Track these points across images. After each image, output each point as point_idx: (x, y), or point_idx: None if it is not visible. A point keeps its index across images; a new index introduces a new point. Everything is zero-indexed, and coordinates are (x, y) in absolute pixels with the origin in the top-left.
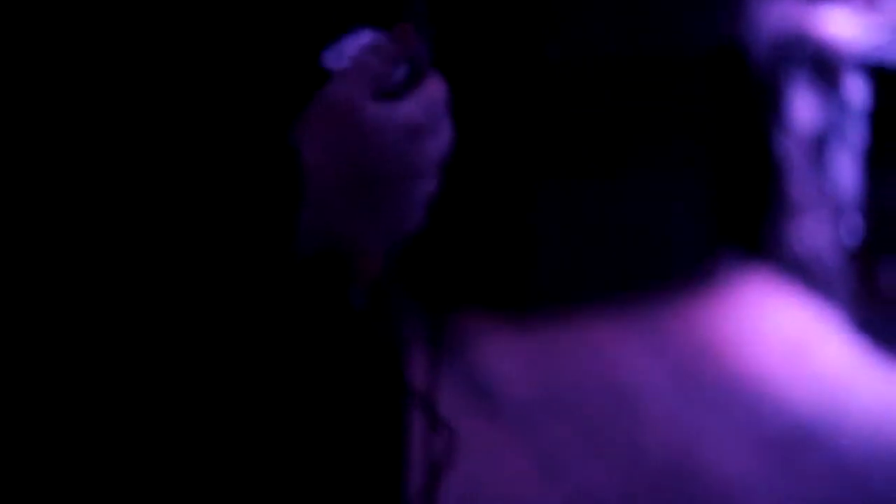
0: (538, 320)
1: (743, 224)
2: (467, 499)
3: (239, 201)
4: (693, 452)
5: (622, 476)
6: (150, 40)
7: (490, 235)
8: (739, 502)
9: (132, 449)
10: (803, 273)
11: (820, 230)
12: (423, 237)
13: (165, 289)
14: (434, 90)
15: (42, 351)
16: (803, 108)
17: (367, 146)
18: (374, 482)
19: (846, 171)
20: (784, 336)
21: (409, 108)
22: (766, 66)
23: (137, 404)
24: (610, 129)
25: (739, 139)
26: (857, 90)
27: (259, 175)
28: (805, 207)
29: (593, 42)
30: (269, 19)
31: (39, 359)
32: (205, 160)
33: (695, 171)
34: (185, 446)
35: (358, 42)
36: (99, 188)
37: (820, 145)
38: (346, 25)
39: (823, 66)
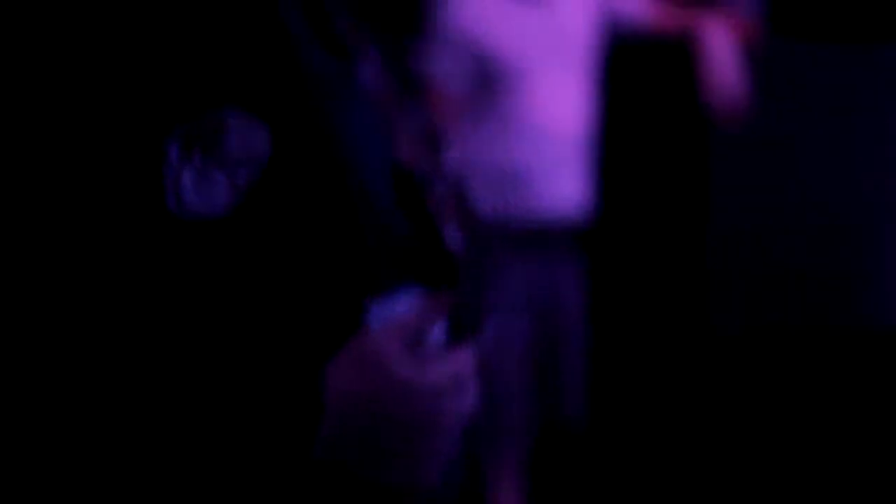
0: None
1: None
2: None
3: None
4: None
5: None
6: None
7: None
8: None
9: (130, 447)
10: None
11: None
12: None
13: None
14: (464, 357)
15: (42, 351)
16: None
17: (390, 399)
18: None
19: None
20: None
21: (439, 370)
22: None
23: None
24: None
25: None
26: None
27: (280, 399)
28: None
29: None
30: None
31: (39, 358)
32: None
33: None
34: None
35: (401, 303)
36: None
37: None
38: (394, 278)
39: None
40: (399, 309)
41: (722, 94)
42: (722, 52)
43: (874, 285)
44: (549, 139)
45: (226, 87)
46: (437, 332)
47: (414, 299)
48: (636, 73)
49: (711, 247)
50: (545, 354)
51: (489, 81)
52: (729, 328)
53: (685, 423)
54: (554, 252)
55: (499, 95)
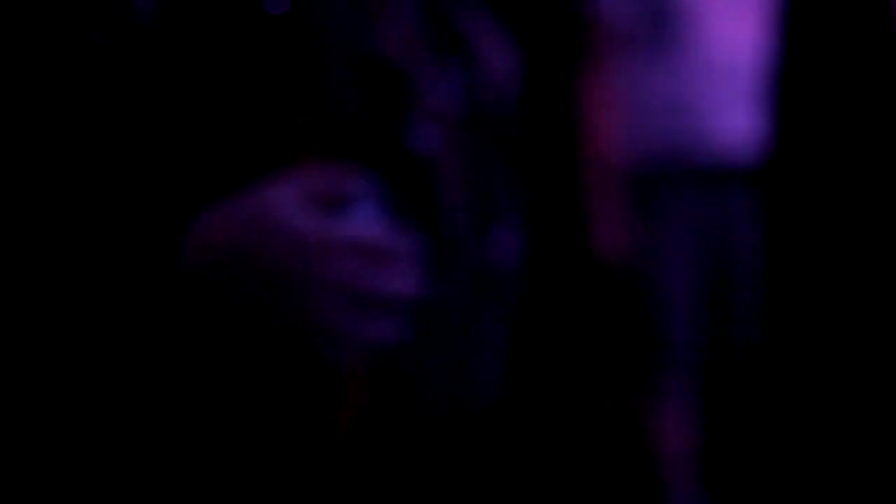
0: None
1: None
2: None
3: None
4: None
5: None
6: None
7: None
8: None
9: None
10: None
11: None
12: None
13: None
14: (398, 238)
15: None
16: None
17: (272, 243)
18: None
19: None
20: None
21: (343, 232)
22: None
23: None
24: None
25: None
26: None
27: None
28: None
29: None
30: None
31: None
32: None
33: None
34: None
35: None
36: None
37: None
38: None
39: None
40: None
41: None
42: None
43: None
44: (723, 74)
45: None
46: (369, 210)
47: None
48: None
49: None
50: (717, 287)
51: (661, 17)
52: None
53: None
54: (726, 187)
55: (671, 31)
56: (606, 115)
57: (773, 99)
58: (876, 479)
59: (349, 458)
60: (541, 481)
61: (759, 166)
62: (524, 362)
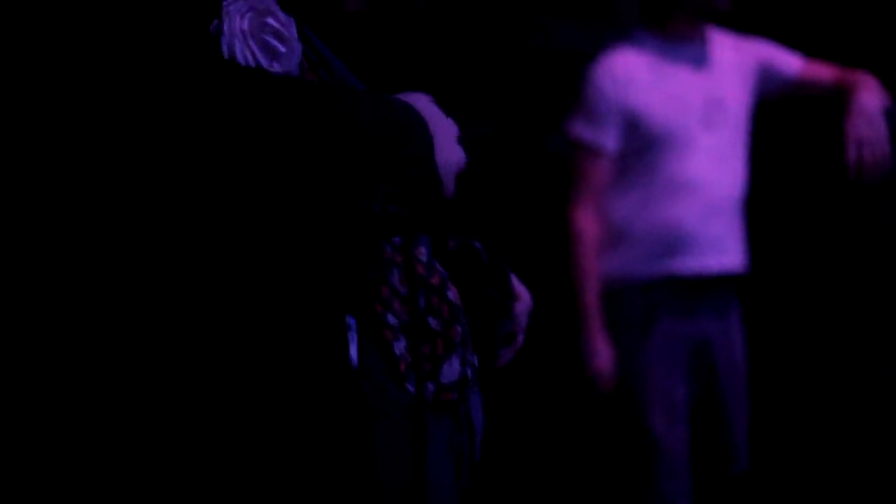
0: None
1: None
2: None
3: None
4: None
5: None
6: None
7: None
8: None
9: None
10: None
11: None
12: None
13: None
14: None
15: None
16: None
17: None
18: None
19: None
20: None
21: None
22: None
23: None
24: None
25: None
26: None
27: None
28: None
29: None
30: None
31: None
32: None
33: None
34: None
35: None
36: None
37: None
38: None
39: None
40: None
41: (866, 150)
42: (871, 109)
43: None
44: (704, 198)
45: None
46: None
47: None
48: (780, 128)
49: (861, 292)
50: (707, 402)
51: (644, 145)
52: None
53: (848, 466)
54: (711, 305)
55: (653, 158)
56: (594, 238)
57: (747, 218)
58: None
59: None
60: None
61: (741, 278)
62: (518, 473)
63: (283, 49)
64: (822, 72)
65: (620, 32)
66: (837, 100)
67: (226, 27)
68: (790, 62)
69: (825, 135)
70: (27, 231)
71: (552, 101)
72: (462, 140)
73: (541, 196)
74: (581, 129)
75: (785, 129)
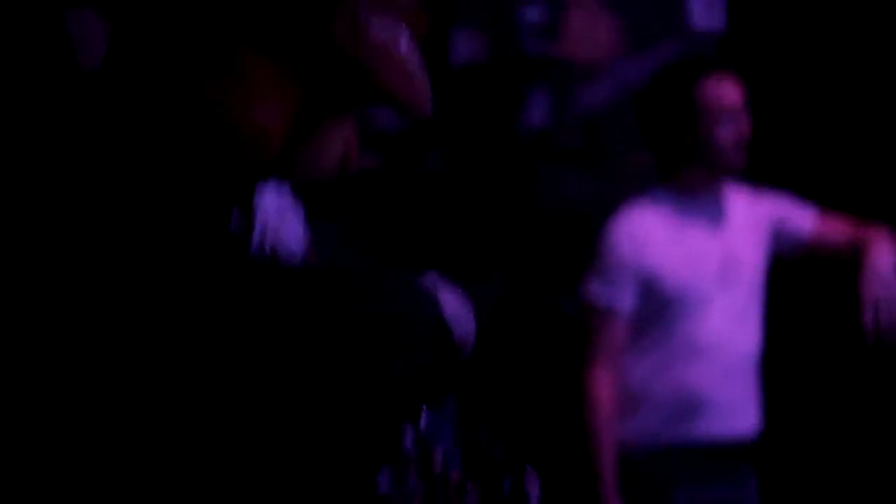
0: None
1: None
2: None
3: None
4: None
5: None
6: None
7: None
8: None
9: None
10: None
11: None
12: None
13: None
14: None
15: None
16: None
17: None
18: None
19: None
20: None
21: None
22: None
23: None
24: None
25: None
26: None
27: None
28: None
29: None
30: None
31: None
32: None
33: None
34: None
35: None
36: None
37: None
38: None
39: None
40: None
41: (883, 312)
42: (886, 269)
43: None
44: (721, 360)
45: None
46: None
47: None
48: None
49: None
50: None
51: (660, 306)
52: None
53: None
54: (728, 473)
55: (669, 319)
56: (610, 403)
57: (764, 381)
58: None
59: None
60: None
61: (757, 445)
62: None
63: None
64: (836, 228)
65: (633, 183)
66: (853, 260)
67: (258, 221)
68: (804, 221)
69: (841, 294)
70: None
71: (565, 259)
72: (474, 303)
73: (555, 358)
74: (597, 291)
75: (800, 287)
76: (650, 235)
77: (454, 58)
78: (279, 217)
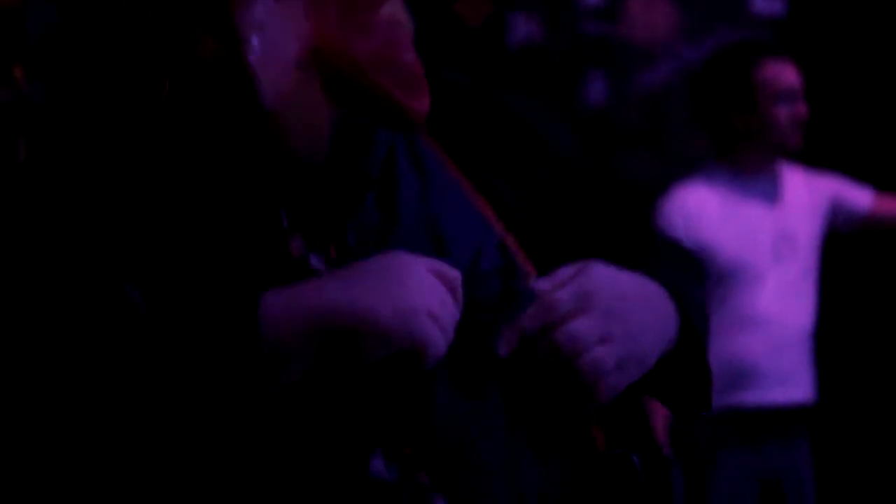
0: None
1: None
2: None
3: None
4: None
5: None
6: None
7: None
8: None
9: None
10: None
11: None
12: None
13: None
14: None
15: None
16: None
17: None
18: None
19: None
20: None
21: None
22: None
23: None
24: None
25: None
26: None
27: None
28: None
29: None
30: None
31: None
32: None
33: None
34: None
35: None
36: None
37: None
38: None
39: None
40: None
41: None
42: None
43: None
44: (773, 332)
45: None
46: None
47: None
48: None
49: None
50: None
51: (714, 279)
52: None
53: None
54: (778, 438)
55: (723, 292)
56: None
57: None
58: None
59: None
60: None
61: (810, 410)
62: None
63: None
64: (892, 206)
65: (691, 164)
66: None
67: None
68: (861, 197)
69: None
70: None
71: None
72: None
73: None
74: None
75: (856, 261)
76: (703, 210)
77: (511, 40)
78: None
